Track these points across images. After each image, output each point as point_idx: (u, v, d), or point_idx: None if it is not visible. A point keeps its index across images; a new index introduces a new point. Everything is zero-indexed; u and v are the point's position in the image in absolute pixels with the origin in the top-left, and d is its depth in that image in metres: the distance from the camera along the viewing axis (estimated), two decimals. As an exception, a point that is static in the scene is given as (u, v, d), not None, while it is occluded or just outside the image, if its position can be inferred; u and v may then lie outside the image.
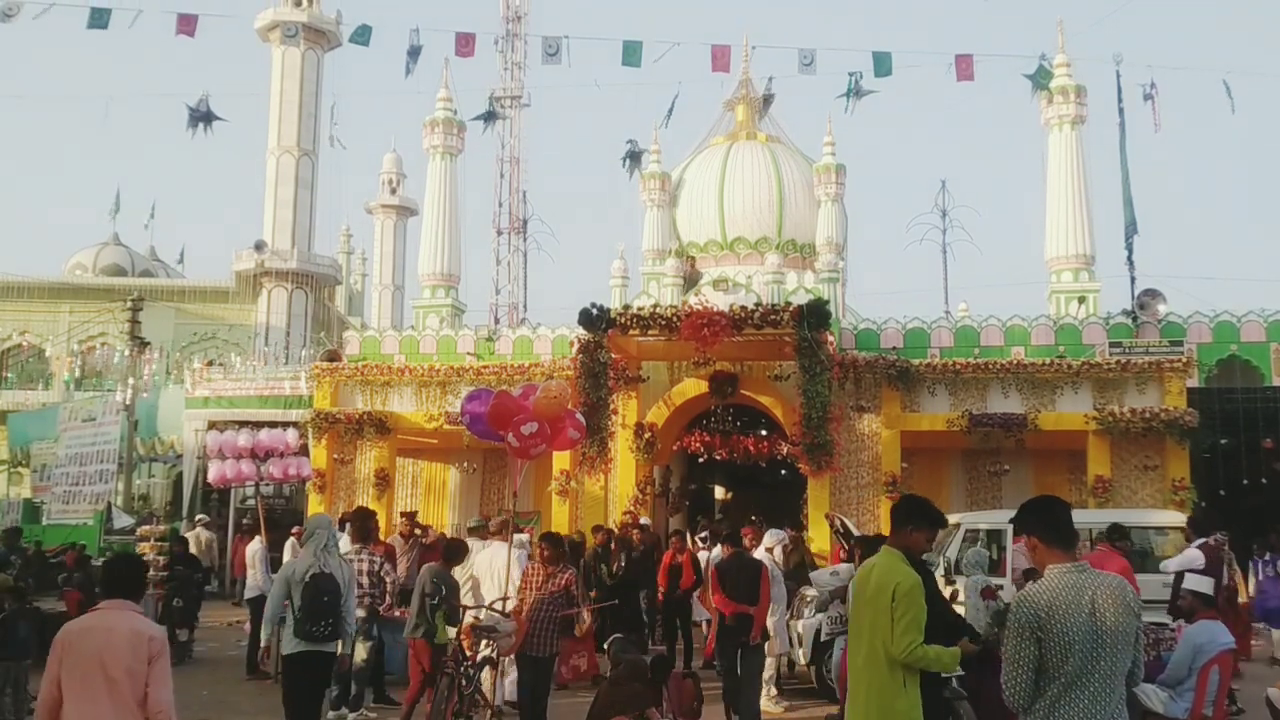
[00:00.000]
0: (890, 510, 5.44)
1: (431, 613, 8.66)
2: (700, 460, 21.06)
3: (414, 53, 19.12)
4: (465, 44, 18.30)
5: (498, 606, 8.80)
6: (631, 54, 16.79)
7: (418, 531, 14.45)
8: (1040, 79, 22.98)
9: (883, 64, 16.50)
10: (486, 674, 8.97)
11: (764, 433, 20.05)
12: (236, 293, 37.93)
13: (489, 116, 30.77)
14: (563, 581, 8.77)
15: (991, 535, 12.75)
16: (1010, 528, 11.31)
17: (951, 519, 12.84)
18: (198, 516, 22.63)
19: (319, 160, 38.43)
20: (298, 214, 37.60)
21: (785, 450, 18.99)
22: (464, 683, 8.29)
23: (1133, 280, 22.47)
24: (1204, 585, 8.24)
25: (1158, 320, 21.09)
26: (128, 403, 23.69)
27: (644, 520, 16.77)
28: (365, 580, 10.24)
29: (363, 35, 18.99)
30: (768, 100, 24.08)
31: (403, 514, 15.63)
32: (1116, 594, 3.83)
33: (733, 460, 19.94)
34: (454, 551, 9.68)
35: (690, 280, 27.71)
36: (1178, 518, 12.83)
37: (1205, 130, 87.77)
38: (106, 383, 31.41)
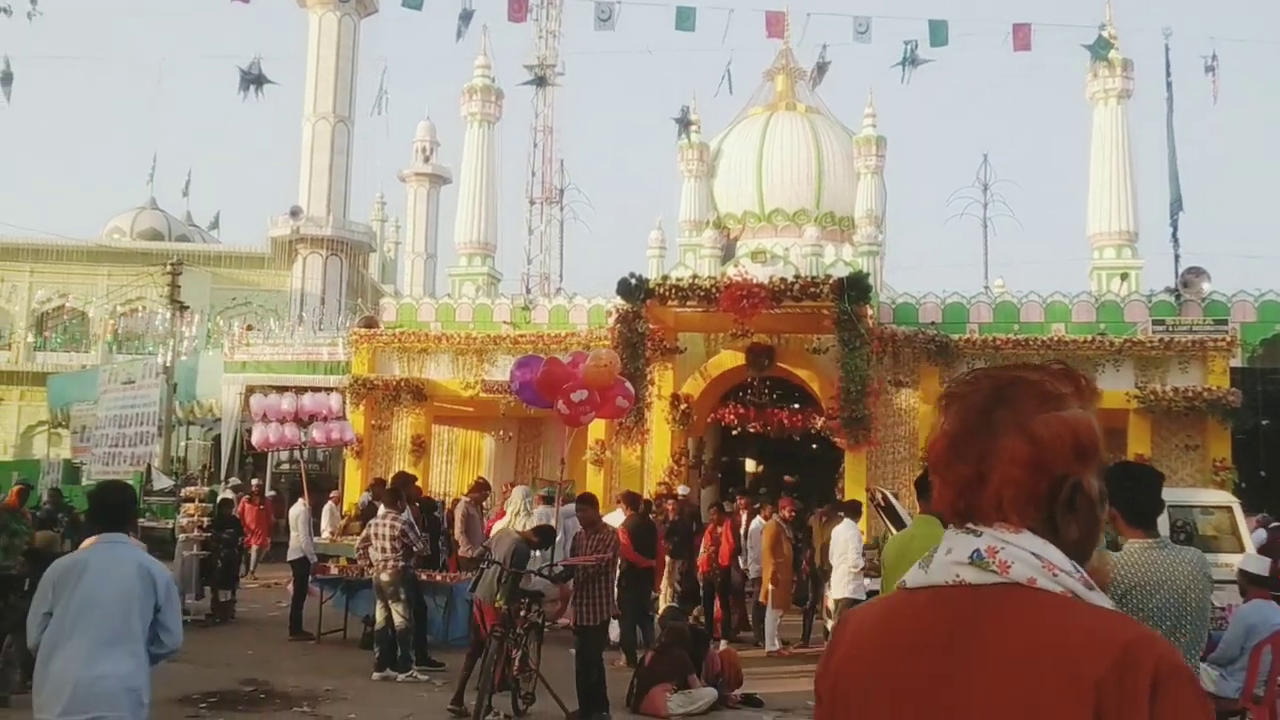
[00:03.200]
0: (919, 480, 5.32)
1: (501, 580, 8.71)
2: (734, 433, 21.04)
3: (466, 16, 18.90)
4: (518, 9, 18.00)
5: (545, 572, 8.86)
6: (685, 19, 16.56)
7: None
8: (1099, 49, 22.49)
9: (939, 33, 16.20)
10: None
11: (797, 406, 19.99)
12: (272, 259, 38.13)
13: (540, 82, 30.48)
14: (607, 543, 8.78)
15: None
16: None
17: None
18: (230, 480, 22.86)
19: (354, 127, 38.48)
20: (333, 181, 37.69)
21: (820, 424, 18.94)
22: (512, 647, 8.34)
23: (1177, 257, 22.15)
24: (1259, 565, 8.15)
25: (1201, 298, 20.78)
26: (167, 365, 23.93)
27: (682, 489, 16.78)
28: (387, 545, 10.30)
29: (415, -1, 18.71)
30: (822, 69, 23.64)
31: (475, 481, 15.64)
32: (1196, 569, 3.77)
33: (766, 434, 19.90)
34: (547, 537, 9.77)
35: (726, 252, 27.59)
36: (1225, 497, 12.70)
37: (1250, 105, 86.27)
38: (147, 346, 31.74)
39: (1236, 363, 19.23)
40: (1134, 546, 3.77)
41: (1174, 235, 22.68)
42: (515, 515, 10.50)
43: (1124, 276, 26.71)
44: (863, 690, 1.41)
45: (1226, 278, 21.82)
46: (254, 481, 20.92)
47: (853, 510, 11.09)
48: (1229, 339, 18.87)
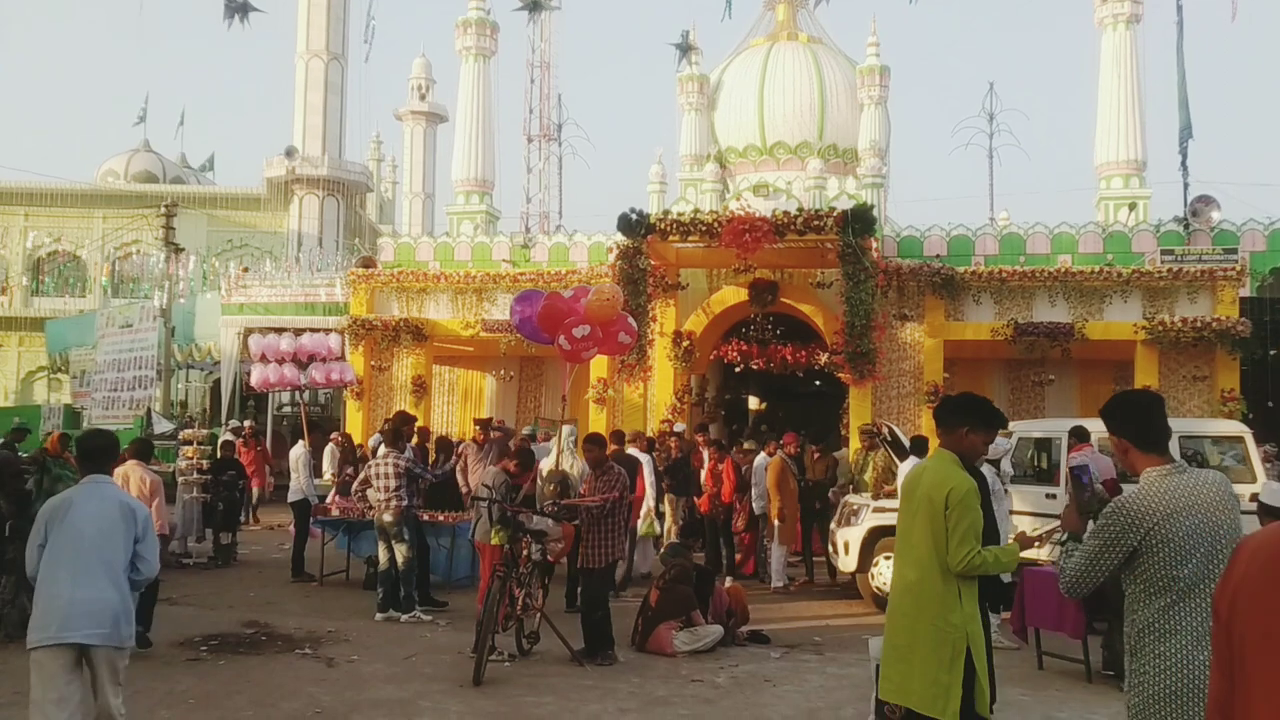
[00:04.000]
0: (937, 409, 5.08)
1: (490, 516, 8.59)
2: (736, 370, 20.88)
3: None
4: None
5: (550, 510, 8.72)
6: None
7: (494, 434, 14.26)
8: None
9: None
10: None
11: (800, 342, 19.80)
12: (268, 200, 37.70)
13: (534, 6, 29.73)
14: (613, 484, 8.58)
15: (1040, 444, 12.49)
16: (1065, 437, 11.02)
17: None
18: (230, 423, 22.74)
19: (348, 65, 37.81)
20: (328, 120, 37.12)
21: (824, 359, 18.76)
22: (515, 586, 8.22)
23: (1186, 186, 21.77)
24: (1277, 497, 7.98)
25: (1210, 228, 20.47)
26: (164, 308, 23.71)
27: (679, 427, 16.65)
28: (393, 483, 10.17)
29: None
30: (830, -14, 23.01)
31: (476, 421, 15.43)
32: (1221, 490, 3.54)
33: (769, 370, 19.74)
34: (526, 461, 9.63)
35: (727, 187, 27.14)
36: (1237, 428, 12.50)
37: (1266, 27, 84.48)
38: (143, 288, 31.49)
39: (1245, 292, 18.98)
40: (1153, 474, 3.53)
41: (1183, 164, 22.30)
42: (561, 454, 10.53)
43: (1132, 206, 26.31)
44: (1257, 608, 1.49)
45: (1236, 207, 21.42)
46: (247, 424, 20.77)
47: (920, 447, 10.79)
48: (1238, 268, 18.61)
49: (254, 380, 16.19)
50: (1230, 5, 23.52)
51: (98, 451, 5.49)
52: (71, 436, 15.34)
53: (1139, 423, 3.64)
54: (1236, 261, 18.84)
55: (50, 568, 5.04)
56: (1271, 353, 19.13)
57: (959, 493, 4.55)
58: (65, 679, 4.95)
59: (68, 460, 12.50)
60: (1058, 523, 4.72)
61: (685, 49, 27.49)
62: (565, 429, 11.51)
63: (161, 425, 21.72)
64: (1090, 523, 3.78)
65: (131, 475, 9.42)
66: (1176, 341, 18.04)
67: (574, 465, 10.59)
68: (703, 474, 14.02)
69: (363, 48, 33.38)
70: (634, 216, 17.85)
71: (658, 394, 19.28)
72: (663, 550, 10.99)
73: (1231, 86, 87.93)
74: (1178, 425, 13.17)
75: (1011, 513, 10.37)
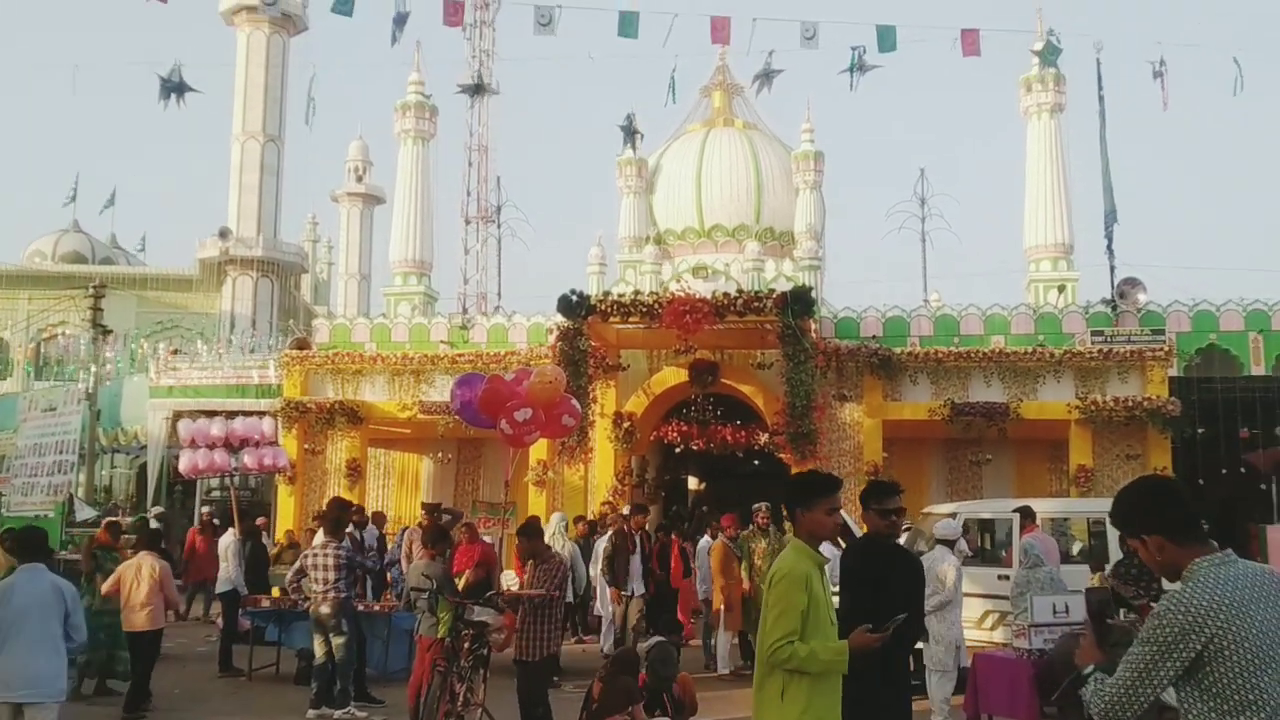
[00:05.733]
0: (789, 501, 4.59)
1: (430, 607, 8.28)
2: (676, 450, 20.78)
3: (400, 20, 18.40)
4: (453, 12, 17.42)
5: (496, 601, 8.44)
6: (628, 25, 16.19)
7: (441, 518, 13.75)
8: (1048, 56, 22.82)
9: (887, 38, 16.06)
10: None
11: (740, 422, 19.78)
12: (200, 281, 37.15)
13: (476, 90, 29.90)
14: (553, 573, 8.34)
15: (985, 525, 12.49)
16: (1016, 517, 10.95)
17: (948, 508, 12.58)
18: (153, 509, 21.98)
19: (285, 146, 37.72)
20: (263, 201, 36.87)
21: (764, 439, 18.75)
22: (456, 681, 7.91)
23: (1112, 269, 22.38)
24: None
25: (1137, 309, 20.99)
26: (90, 391, 23.04)
27: (625, 510, 16.42)
28: (332, 575, 9.81)
29: (345, 3, 17.98)
30: (769, 76, 23.34)
31: (424, 506, 14.86)
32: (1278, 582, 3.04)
33: (709, 450, 19.65)
34: (437, 539, 9.32)
35: (666, 269, 27.31)
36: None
37: (1187, 113, 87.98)
38: (68, 371, 30.65)
39: (1174, 372, 19.41)
40: (1204, 564, 3.00)
41: (1109, 247, 22.93)
42: (552, 537, 10.64)
43: (1060, 288, 27.02)
44: None
45: (1161, 289, 22.01)
46: (204, 510, 20.11)
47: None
48: (1166, 349, 19.04)
49: (183, 467, 15.69)
50: (1159, 93, 24.36)
51: (33, 543, 6.67)
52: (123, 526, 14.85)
53: (1172, 513, 3.13)
54: (1164, 342, 19.30)
55: (1, 642, 6.08)
56: (1200, 431, 19.51)
57: (779, 574, 4.28)
58: None
59: (119, 551, 12.16)
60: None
61: (631, 132, 27.87)
62: (555, 516, 11.96)
63: (84, 512, 20.94)
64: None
65: (144, 564, 10.08)
66: (1109, 421, 18.34)
67: (565, 548, 10.70)
68: (634, 560, 13.54)
69: (300, 128, 33.17)
70: (574, 298, 17.84)
71: (598, 475, 19.09)
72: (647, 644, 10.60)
73: (1155, 171, 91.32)
74: (1105, 505, 13.38)
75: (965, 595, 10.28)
